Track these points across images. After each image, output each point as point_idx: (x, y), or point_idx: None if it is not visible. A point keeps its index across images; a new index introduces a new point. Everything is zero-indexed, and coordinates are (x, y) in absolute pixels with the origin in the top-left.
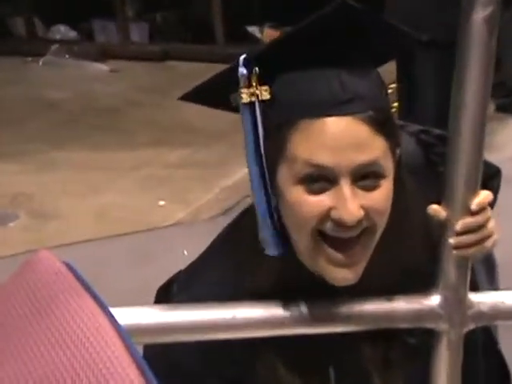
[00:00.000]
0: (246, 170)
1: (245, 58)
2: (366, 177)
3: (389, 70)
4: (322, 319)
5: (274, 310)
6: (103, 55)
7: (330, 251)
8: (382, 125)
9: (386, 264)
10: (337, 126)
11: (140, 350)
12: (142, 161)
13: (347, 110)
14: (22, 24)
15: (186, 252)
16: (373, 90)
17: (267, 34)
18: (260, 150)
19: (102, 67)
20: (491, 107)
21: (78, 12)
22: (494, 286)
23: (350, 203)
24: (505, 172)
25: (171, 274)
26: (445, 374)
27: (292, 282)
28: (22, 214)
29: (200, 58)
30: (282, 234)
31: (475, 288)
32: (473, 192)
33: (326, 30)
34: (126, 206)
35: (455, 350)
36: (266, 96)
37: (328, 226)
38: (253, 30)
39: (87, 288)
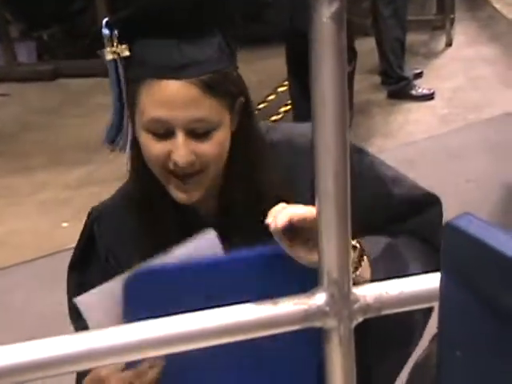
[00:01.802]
0: None
1: (107, 22)
2: (197, 129)
3: (280, 70)
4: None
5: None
6: None
7: (174, 180)
8: (214, 87)
9: (243, 194)
10: (172, 87)
11: None
12: (40, 184)
13: (181, 74)
14: None
15: None
16: (209, 56)
17: None
18: (122, 99)
19: None
20: (383, 95)
21: None
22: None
23: (182, 150)
24: (402, 156)
25: None
26: (340, 370)
27: (148, 205)
28: None
29: (92, 72)
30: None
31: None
32: (342, 189)
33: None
34: (27, 231)
35: (347, 345)
36: (125, 53)
37: (170, 165)
38: None
39: None
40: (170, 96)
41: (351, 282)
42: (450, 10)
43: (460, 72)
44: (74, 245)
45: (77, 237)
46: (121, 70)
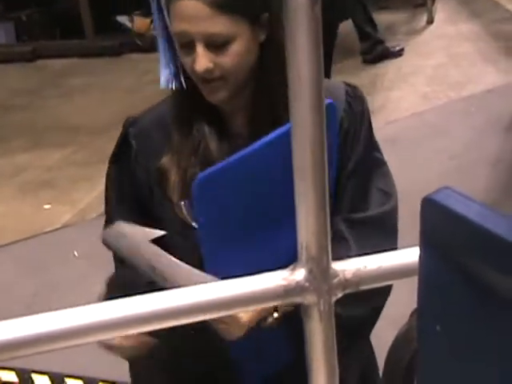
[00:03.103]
0: None
1: None
2: (214, 42)
3: None
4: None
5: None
6: None
7: (200, 84)
8: (224, 5)
9: (271, 105)
10: (187, 4)
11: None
12: (20, 166)
13: None
14: None
15: (76, 253)
16: None
17: (137, 22)
18: (165, 22)
19: None
20: (364, 74)
21: None
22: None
23: (199, 59)
24: (384, 134)
25: (64, 278)
26: (321, 344)
27: (187, 106)
28: None
29: (71, 53)
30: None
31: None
32: (320, 165)
33: None
34: (8, 214)
35: (327, 320)
36: None
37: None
38: (122, 19)
39: None
40: (185, 12)
41: (330, 257)
42: None
43: (441, 49)
44: (55, 227)
45: (59, 219)
46: None
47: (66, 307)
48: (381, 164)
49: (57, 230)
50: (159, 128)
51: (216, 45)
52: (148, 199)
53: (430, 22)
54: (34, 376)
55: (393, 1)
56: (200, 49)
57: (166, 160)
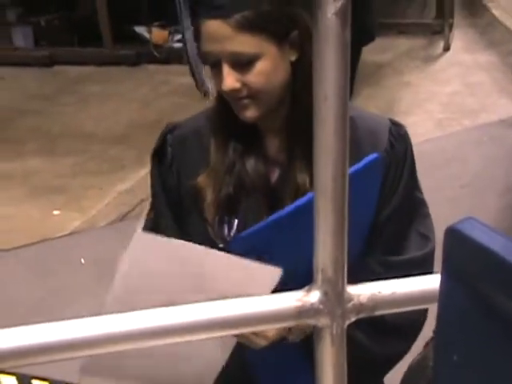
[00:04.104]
0: (142, 174)
1: None
2: (239, 61)
3: None
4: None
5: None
6: None
7: (232, 102)
8: (247, 25)
9: (306, 124)
10: (212, 25)
11: None
12: (32, 170)
13: (217, 14)
14: None
15: (83, 260)
16: (242, 1)
17: (155, 33)
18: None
19: None
20: (381, 98)
21: None
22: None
23: (226, 78)
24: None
25: (70, 285)
26: (331, 368)
27: (223, 124)
28: None
29: (88, 61)
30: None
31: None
32: (341, 189)
33: None
34: (17, 216)
35: (339, 344)
36: None
37: None
38: (140, 30)
39: None
40: (209, 33)
41: (345, 281)
42: (449, 14)
43: (457, 77)
44: (64, 233)
45: (68, 225)
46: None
47: (70, 314)
48: (422, 205)
49: (65, 236)
50: (196, 139)
51: (241, 64)
52: (177, 206)
53: (447, 49)
54: (35, 382)
55: (411, 26)
56: (226, 68)
57: (202, 179)
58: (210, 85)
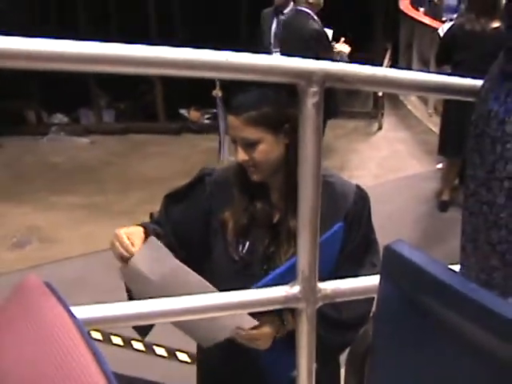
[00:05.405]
0: None
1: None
2: (246, 143)
3: None
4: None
5: None
6: (85, 132)
7: (246, 169)
8: (251, 121)
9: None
10: (231, 118)
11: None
12: (112, 202)
13: (233, 112)
14: (32, 114)
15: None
16: (255, 104)
17: (192, 113)
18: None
19: (85, 140)
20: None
21: (68, 104)
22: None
23: (238, 153)
24: None
25: None
26: (306, 337)
27: (243, 180)
28: (34, 240)
29: (150, 131)
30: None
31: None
32: (315, 218)
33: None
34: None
35: (311, 321)
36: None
37: None
38: (183, 111)
39: (61, 300)
40: (230, 123)
41: (317, 279)
42: (381, 106)
43: (386, 147)
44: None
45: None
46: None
47: None
48: (374, 243)
49: None
50: (225, 184)
51: (248, 145)
52: (202, 230)
53: (380, 128)
54: (112, 337)
55: (357, 113)
56: (239, 146)
57: (227, 214)
58: (226, 151)
